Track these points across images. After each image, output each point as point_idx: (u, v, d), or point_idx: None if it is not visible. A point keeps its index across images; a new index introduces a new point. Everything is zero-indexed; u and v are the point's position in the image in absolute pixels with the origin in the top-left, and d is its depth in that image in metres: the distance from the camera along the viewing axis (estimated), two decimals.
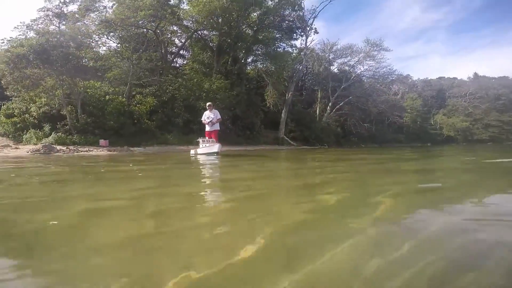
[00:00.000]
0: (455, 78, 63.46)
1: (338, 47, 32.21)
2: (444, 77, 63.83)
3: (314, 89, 33.70)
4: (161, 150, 11.65)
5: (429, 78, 57.98)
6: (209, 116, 8.44)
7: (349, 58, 33.18)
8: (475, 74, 63.57)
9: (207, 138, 8.23)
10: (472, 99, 52.29)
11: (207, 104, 8.80)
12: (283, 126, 24.37)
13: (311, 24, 25.89)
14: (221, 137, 17.80)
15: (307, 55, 28.11)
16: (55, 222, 1.46)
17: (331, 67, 33.58)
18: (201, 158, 6.77)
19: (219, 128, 8.68)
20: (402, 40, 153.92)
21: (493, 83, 57.23)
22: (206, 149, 7.79)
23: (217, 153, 7.51)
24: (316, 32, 26.69)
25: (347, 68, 34.03)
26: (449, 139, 45.61)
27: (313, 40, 27.96)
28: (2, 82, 12.50)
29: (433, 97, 51.93)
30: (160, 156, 8.63)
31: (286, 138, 23.95)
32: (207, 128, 8.47)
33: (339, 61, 33.81)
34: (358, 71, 33.92)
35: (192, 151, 8.71)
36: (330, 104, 31.09)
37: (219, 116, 8.58)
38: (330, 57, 32.76)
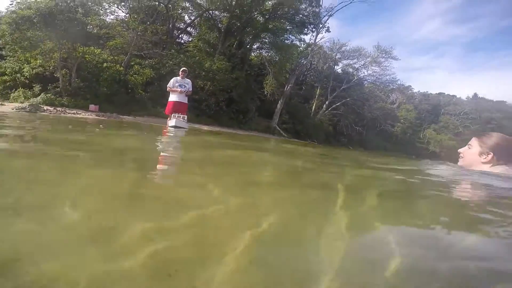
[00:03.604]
0: (454, 96, 64.35)
1: (347, 48, 32.11)
2: (444, 93, 64.47)
3: (314, 85, 33.80)
4: (148, 120, 11.86)
5: (428, 92, 58.69)
6: (181, 83, 6.81)
7: (355, 60, 33.14)
8: (475, 94, 64.51)
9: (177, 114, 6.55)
10: (465, 119, 53.47)
11: (182, 69, 7.14)
12: (277, 116, 24.64)
13: (325, 22, 25.76)
14: (213, 117, 18.23)
15: (314, 51, 28.00)
16: None
17: (335, 67, 33.61)
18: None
19: (187, 103, 7.06)
20: (412, 51, 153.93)
21: (490, 106, 58.21)
22: (171, 122, 6.52)
23: (176, 127, 6.34)
24: (328, 30, 26.64)
25: (350, 70, 34.08)
26: (433, 154, 46.75)
27: (323, 38, 27.72)
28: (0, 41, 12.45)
29: (428, 111, 52.80)
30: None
31: (278, 129, 24.29)
32: (175, 98, 6.76)
33: (345, 62, 33.74)
34: (361, 75, 34.09)
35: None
36: (327, 102, 31.37)
37: (191, 88, 7.03)
38: (336, 57, 32.70)
